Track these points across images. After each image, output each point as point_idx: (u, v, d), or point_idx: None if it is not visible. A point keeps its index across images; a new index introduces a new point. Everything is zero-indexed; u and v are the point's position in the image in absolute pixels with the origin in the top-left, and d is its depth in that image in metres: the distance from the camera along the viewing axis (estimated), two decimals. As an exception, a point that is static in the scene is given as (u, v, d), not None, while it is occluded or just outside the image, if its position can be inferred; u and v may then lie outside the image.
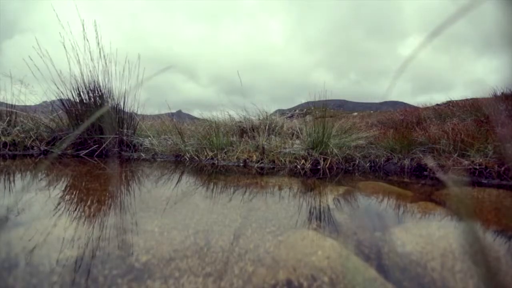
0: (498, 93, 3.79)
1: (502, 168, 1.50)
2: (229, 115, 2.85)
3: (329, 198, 1.03)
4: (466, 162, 1.61)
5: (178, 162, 2.00)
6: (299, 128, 2.47)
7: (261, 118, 2.64)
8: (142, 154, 2.19)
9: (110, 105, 2.24)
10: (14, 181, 1.15)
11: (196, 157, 2.06)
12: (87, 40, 2.30)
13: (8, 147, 2.02)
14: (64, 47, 2.20)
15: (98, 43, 2.39)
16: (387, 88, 0.30)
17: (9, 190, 0.97)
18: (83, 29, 2.32)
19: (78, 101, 2.23)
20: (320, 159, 1.91)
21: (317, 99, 2.54)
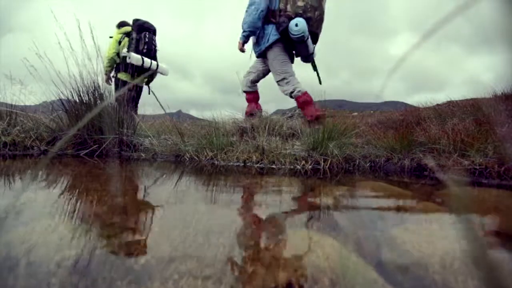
0: (498, 93, 3.79)
1: (502, 168, 1.50)
2: (229, 115, 2.86)
3: (329, 198, 1.03)
4: (466, 162, 1.61)
5: (178, 162, 2.00)
6: (299, 129, 2.47)
7: (261, 118, 2.64)
8: (142, 154, 2.19)
9: (110, 105, 2.24)
10: (14, 181, 1.15)
11: (196, 157, 2.06)
12: (84, 40, 2.31)
13: (8, 147, 2.02)
14: (61, 47, 2.21)
15: (95, 43, 2.40)
16: (380, 88, 0.29)
17: (9, 190, 0.97)
18: (79, 29, 2.33)
19: (77, 101, 2.23)
20: (321, 160, 1.91)
21: (316, 99, 2.54)
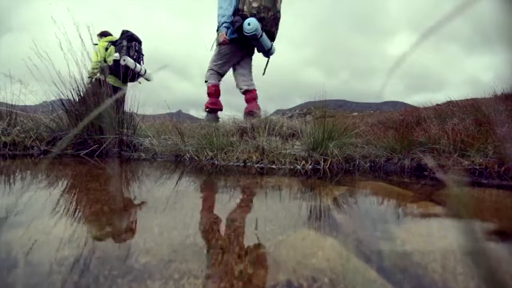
0: (498, 93, 3.79)
1: (502, 168, 1.50)
2: (229, 115, 2.86)
3: (329, 198, 1.03)
4: (466, 162, 1.61)
5: (178, 162, 2.00)
6: (299, 129, 2.47)
7: (261, 118, 2.64)
8: (142, 154, 2.19)
9: (109, 105, 2.24)
10: (14, 181, 1.15)
11: (196, 157, 2.06)
12: (83, 40, 2.32)
13: (8, 147, 2.02)
14: (61, 47, 2.21)
15: (94, 44, 2.41)
16: (380, 88, 0.29)
17: (9, 190, 0.97)
18: (77, 30, 2.34)
19: (78, 101, 2.24)
20: (321, 160, 1.91)
21: (317, 99, 2.54)
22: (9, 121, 2.19)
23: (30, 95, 2.43)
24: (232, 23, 2.74)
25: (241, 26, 2.68)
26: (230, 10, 2.75)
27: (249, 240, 0.60)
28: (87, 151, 2.10)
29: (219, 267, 0.47)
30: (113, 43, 3.74)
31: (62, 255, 0.49)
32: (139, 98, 2.49)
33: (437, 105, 4.52)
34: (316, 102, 2.57)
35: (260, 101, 3.07)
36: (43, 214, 0.71)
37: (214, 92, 3.00)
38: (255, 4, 2.71)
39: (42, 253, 0.49)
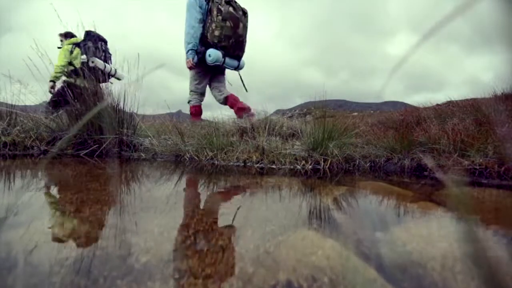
0: (498, 93, 3.79)
1: (502, 168, 1.50)
2: (229, 115, 2.87)
3: (329, 198, 1.03)
4: (466, 162, 1.61)
5: (178, 162, 2.00)
6: (299, 129, 2.47)
7: (260, 118, 2.64)
8: (142, 154, 2.19)
9: (109, 104, 2.24)
10: (14, 181, 1.15)
11: (196, 157, 2.06)
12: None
13: (8, 147, 2.02)
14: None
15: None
16: (380, 88, 0.30)
17: (9, 190, 0.97)
18: (83, 28, 2.33)
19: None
20: (321, 160, 1.91)
21: (317, 99, 2.54)
22: (9, 121, 2.20)
23: (30, 95, 2.43)
24: (196, 52, 2.91)
25: (204, 56, 2.89)
26: (196, 36, 2.90)
27: (249, 240, 0.60)
28: (87, 151, 2.10)
29: (219, 267, 0.47)
30: (77, 44, 3.66)
31: (62, 255, 0.49)
32: (139, 98, 2.49)
33: (437, 105, 4.51)
34: (316, 102, 2.57)
35: (260, 101, 3.13)
36: (43, 214, 0.71)
37: (195, 112, 3.27)
38: (216, 33, 2.87)
39: (42, 253, 0.49)
